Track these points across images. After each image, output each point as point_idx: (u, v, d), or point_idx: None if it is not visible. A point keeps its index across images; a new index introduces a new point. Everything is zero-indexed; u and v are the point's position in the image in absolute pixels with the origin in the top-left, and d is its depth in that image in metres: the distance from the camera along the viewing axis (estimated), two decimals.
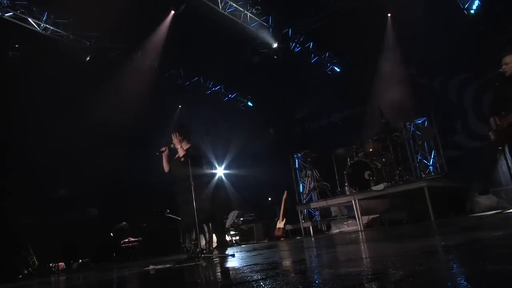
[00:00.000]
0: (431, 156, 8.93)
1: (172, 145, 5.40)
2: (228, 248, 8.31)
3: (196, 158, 5.32)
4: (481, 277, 1.47)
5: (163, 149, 5.43)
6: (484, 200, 7.69)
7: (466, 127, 9.15)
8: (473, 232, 3.27)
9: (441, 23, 8.28)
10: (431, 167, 8.87)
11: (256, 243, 9.56)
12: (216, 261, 4.51)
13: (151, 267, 4.74)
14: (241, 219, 10.76)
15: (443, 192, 7.64)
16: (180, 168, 5.19)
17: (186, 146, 5.38)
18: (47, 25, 8.03)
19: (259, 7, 8.85)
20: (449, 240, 2.90)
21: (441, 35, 8.34)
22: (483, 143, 8.04)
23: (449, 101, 9.45)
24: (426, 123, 9.17)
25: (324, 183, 9.44)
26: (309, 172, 9.88)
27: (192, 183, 4.86)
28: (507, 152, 4.76)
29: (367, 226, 7.88)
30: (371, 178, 7.59)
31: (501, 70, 4.54)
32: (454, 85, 9.44)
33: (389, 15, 9.61)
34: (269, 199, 11.35)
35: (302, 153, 10.25)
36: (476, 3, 8.37)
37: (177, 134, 5.40)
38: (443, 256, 2.18)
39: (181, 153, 5.23)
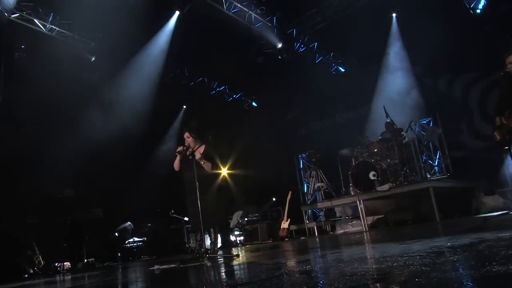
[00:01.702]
0: (436, 157, 8.86)
1: (186, 144, 5.20)
2: (233, 248, 8.32)
3: (210, 159, 5.18)
4: (488, 278, 1.46)
5: (180, 148, 5.16)
6: (490, 200, 7.66)
7: (472, 127, 9.08)
8: (479, 233, 3.25)
9: (446, 22, 8.23)
10: (436, 168, 8.80)
11: (261, 243, 9.56)
12: (220, 261, 4.51)
13: (156, 267, 4.75)
14: (246, 219, 10.76)
15: (448, 193, 7.61)
16: (192, 168, 4.98)
17: (199, 145, 5.31)
18: (53, 26, 8.09)
19: (263, 8, 8.85)
20: (455, 241, 2.89)
21: (446, 34, 8.29)
22: (489, 143, 7.98)
23: (455, 101, 9.39)
24: (431, 123, 9.10)
25: (328, 183, 9.41)
26: (313, 172, 9.86)
27: (198, 183, 4.83)
28: None
29: (372, 226, 7.86)
30: (376, 179, 7.57)
31: (506, 70, 4.51)
32: (459, 85, 9.38)
33: (394, 14, 9.59)
34: (274, 199, 11.34)
35: (307, 153, 10.22)
36: (482, 2, 8.32)
37: (191, 133, 5.25)
38: (449, 257, 2.17)
39: (197, 155, 5.06)
